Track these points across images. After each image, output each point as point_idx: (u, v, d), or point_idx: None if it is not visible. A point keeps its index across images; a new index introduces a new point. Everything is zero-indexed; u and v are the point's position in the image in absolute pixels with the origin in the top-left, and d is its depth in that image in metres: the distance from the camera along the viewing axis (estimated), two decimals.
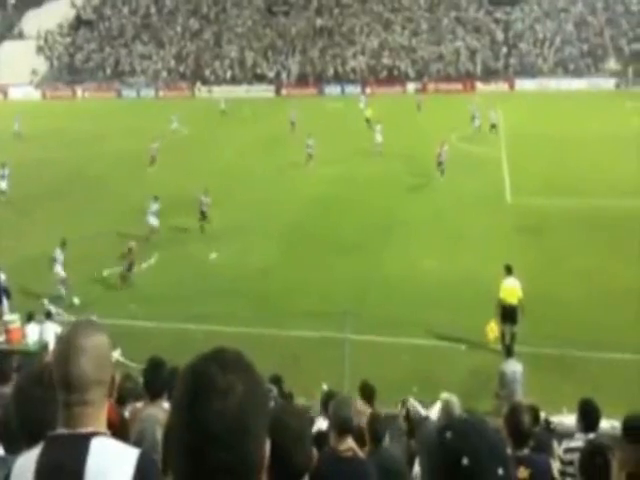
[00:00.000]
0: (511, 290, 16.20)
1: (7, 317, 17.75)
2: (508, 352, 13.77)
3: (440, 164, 33.08)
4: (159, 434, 5.48)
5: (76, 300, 20.37)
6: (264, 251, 24.06)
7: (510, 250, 22.53)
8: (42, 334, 15.57)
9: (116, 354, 15.68)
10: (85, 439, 2.42)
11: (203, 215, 26.08)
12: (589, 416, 7.39)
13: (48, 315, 16.29)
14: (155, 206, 25.34)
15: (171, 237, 25.96)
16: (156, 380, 6.46)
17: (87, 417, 2.46)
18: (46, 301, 18.94)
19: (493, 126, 42.73)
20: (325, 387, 11.92)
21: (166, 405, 6.21)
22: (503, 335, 16.09)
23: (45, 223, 27.98)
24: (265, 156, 39.18)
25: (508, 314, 16.06)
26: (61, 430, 2.46)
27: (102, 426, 2.52)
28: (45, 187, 33.66)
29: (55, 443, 2.44)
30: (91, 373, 2.43)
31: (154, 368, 6.61)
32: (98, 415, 2.50)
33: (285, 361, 15.17)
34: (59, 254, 20.53)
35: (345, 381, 13.93)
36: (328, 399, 7.60)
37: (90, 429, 2.45)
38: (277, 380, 10.33)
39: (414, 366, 15.89)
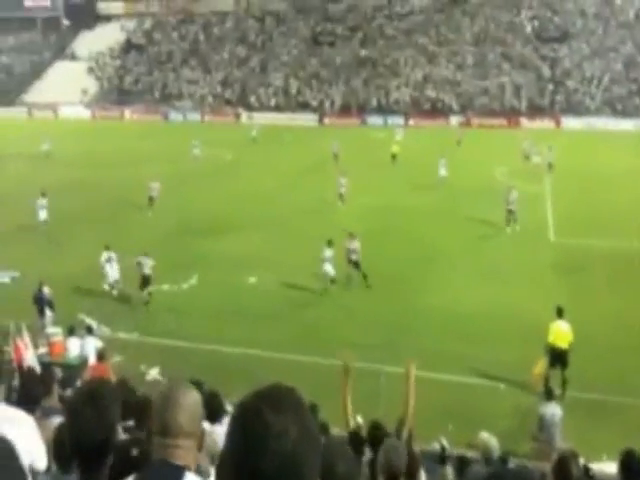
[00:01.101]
0: (562, 333, 15.61)
1: (50, 330, 17.94)
2: (549, 395, 13.34)
3: (511, 212, 30.34)
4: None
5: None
6: (305, 278, 23.94)
7: (551, 289, 22.29)
8: (83, 348, 15.65)
9: (154, 372, 15.69)
10: (179, 469, 2.70)
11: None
12: (631, 467, 7.05)
13: (89, 330, 16.42)
14: (329, 252, 22.85)
15: (211, 259, 26.06)
16: None
17: (178, 457, 2.73)
18: (85, 316, 19.07)
19: (550, 165, 41.58)
20: (360, 420, 11.67)
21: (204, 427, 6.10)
22: (547, 378, 15.55)
23: (89, 242, 28.36)
24: (308, 185, 39.27)
25: (558, 358, 15.50)
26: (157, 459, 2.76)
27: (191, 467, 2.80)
28: (89, 207, 34.12)
29: (151, 469, 2.78)
30: (185, 424, 2.74)
31: None
32: (187, 459, 2.75)
33: (320, 390, 14.96)
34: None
35: (380, 413, 13.65)
36: (376, 433, 7.49)
37: (182, 463, 2.72)
38: (313, 409, 10.16)
39: (450, 402, 15.54)
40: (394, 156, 44.89)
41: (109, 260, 22.88)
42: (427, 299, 22.09)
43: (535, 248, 27.43)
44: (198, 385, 6.76)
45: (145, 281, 21.92)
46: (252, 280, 23.69)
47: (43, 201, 30.11)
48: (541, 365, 15.49)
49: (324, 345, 18.39)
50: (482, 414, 14.85)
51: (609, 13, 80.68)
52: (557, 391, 15.37)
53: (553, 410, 12.78)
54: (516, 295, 22.01)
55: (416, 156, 45.51)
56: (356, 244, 23.41)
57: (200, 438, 2.84)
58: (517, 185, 32.42)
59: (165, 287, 22.96)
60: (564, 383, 15.45)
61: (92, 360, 14.81)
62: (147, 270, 21.98)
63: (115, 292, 22.78)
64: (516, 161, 43.99)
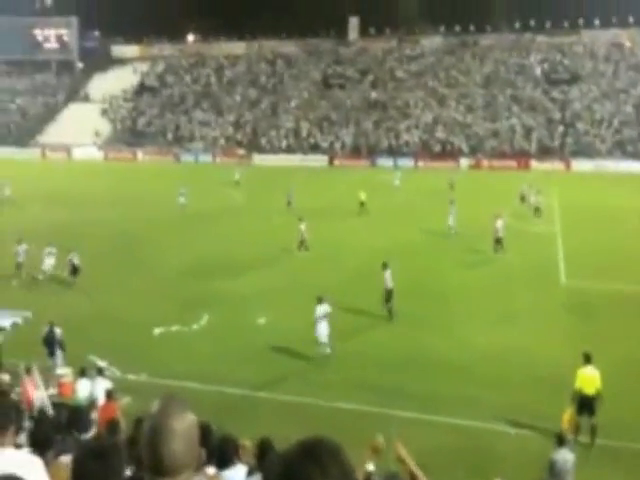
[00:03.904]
0: (590, 380, 15.28)
1: (60, 371, 17.91)
2: (560, 441, 13.09)
3: (498, 240, 32.45)
4: None
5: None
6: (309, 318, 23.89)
7: (563, 332, 22.12)
8: (92, 389, 15.60)
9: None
10: None
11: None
12: None
13: (99, 371, 16.36)
14: (321, 310, 20.34)
15: (220, 299, 26.05)
16: (205, 446, 6.32)
17: None
18: (96, 358, 19.03)
19: (537, 210, 41.67)
20: (371, 467, 11.50)
21: (211, 471, 6.06)
22: (577, 426, 15.26)
23: (99, 282, 28.65)
24: (320, 224, 39.38)
25: (585, 405, 15.18)
26: None
27: None
28: (99, 246, 34.33)
29: None
30: (182, 457, 2.37)
31: (203, 434, 6.44)
32: None
33: (326, 433, 14.78)
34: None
35: (389, 459, 13.46)
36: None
37: None
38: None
39: (460, 448, 15.29)
40: (362, 204, 43.34)
41: (49, 254, 28.67)
42: (438, 340, 21.93)
43: (546, 290, 27.26)
44: (207, 429, 6.71)
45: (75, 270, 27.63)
46: (261, 321, 23.63)
47: (52, 249, 29.47)
48: (569, 413, 15.20)
49: (333, 387, 18.27)
50: (493, 459, 14.60)
51: (619, 56, 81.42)
52: (585, 439, 15.12)
53: (565, 456, 12.52)
54: (528, 338, 21.81)
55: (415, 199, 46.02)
56: (389, 273, 23.69)
57: (198, 462, 2.52)
58: (527, 227, 32.36)
59: (174, 328, 22.95)
60: (593, 430, 15.14)
61: (101, 401, 14.75)
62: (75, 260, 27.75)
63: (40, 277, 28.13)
64: (513, 203, 44.19)
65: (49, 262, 28.96)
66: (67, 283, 28.41)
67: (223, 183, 56.12)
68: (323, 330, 19.87)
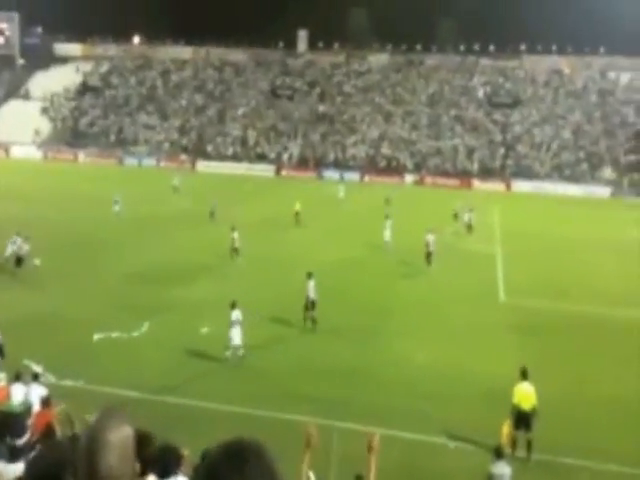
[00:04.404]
0: (526, 395, 15.62)
1: None
2: (498, 454, 13.24)
3: (429, 254, 33.40)
4: None
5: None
6: (256, 330, 23.65)
7: (502, 349, 22.54)
8: (27, 395, 15.02)
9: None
10: None
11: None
12: None
13: (35, 377, 15.78)
14: (235, 315, 20.99)
15: (161, 307, 25.58)
16: (143, 456, 6.06)
17: None
18: (31, 362, 18.38)
19: (469, 227, 42.51)
20: (312, 477, 11.35)
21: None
22: (514, 440, 15.47)
23: (40, 281, 28.03)
24: (265, 236, 39.27)
25: (523, 420, 15.46)
26: None
27: None
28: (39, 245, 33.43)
29: None
30: (117, 468, 2.42)
31: (142, 443, 6.21)
32: None
33: (268, 444, 14.57)
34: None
35: (331, 471, 13.35)
36: None
37: None
38: None
39: (401, 460, 15.30)
40: (297, 214, 43.74)
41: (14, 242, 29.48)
42: (383, 354, 21.98)
43: (486, 308, 27.68)
44: (146, 437, 6.45)
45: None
46: (204, 330, 23.26)
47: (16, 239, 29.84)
48: (507, 426, 15.41)
49: (277, 398, 18.12)
50: (432, 472, 14.75)
51: (558, 82, 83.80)
52: (522, 453, 15.33)
53: (502, 469, 12.74)
54: (467, 353, 22.11)
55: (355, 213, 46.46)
56: (312, 283, 23.94)
57: (133, 475, 2.53)
58: (466, 245, 32.77)
59: (115, 334, 22.40)
60: (529, 445, 15.39)
61: (36, 407, 14.21)
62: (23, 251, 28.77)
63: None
64: (446, 221, 44.91)
65: (10, 249, 29.71)
66: (8, 279, 27.72)
67: (163, 188, 55.34)
68: (235, 334, 20.49)
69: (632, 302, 28.53)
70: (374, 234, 38.43)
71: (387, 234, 36.94)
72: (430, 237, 33.53)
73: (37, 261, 29.42)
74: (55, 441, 9.62)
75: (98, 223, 40.56)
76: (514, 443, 15.42)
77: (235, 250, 33.40)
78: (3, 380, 16.65)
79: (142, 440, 6.24)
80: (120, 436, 2.45)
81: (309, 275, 24.16)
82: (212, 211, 43.27)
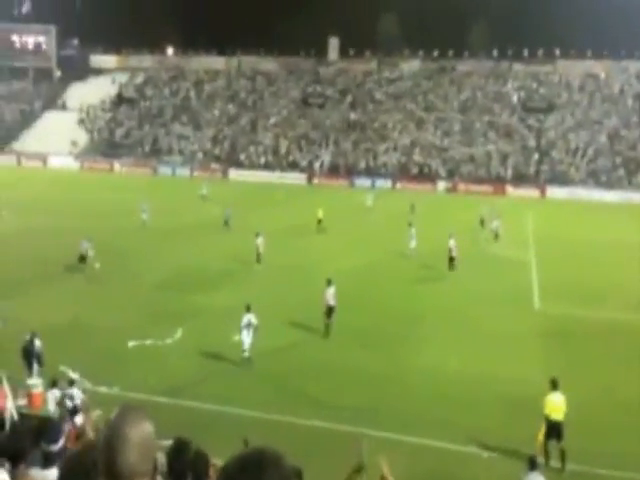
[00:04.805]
0: (557, 405, 15.48)
1: (30, 381, 17.53)
2: (532, 464, 13.08)
3: (452, 259, 33.74)
4: None
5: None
6: (283, 336, 23.78)
7: (536, 356, 22.35)
8: (64, 401, 15.27)
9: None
10: None
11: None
12: None
13: (71, 383, 16.03)
14: (246, 319, 21.62)
15: (191, 313, 25.79)
16: (181, 462, 6.16)
17: None
18: (67, 369, 18.65)
19: (497, 235, 41.92)
20: None
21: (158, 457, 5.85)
22: (547, 451, 15.32)
23: (69, 292, 28.34)
24: (288, 243, 39.37)
25: (554, 430, 15.32)
26: None
27: None
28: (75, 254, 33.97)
29: None
30: (137, 464, 2.39)
31: (180, 449, 6.31)
32: None
33: (300, 452, 14.59)
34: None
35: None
36: None
37: None
38: (298, 474, 9.82)
39: (432, 469, 15.23)
40: (320, 221, 43.90)
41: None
42: (411, 361, 21.90)
43: (520, 315, 27.42)
44: (185, 443, 6.54)
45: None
46: (236, 338, 23.37)
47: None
48: (541, 434, 15.31)
49: (307, 404, 18.16)
50: None
51: (593, 87, 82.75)
52: (555, 463, 15.14)
53: None
54: (500, 361, 21.88)
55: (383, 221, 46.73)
56: (332, 290, 24.06)
57: (153, 471, 2.50)
58: (502, 251, 32.50)
59: (148, 341, 22.64)
60: (562, 455, 15.20)
61: (72, 413, 14.40)
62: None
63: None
64: (469, 227, 44.62)
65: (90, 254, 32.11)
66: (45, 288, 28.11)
67: (193, 197, 55.76)
68: (245, 337, 21.04)
69: None
70: (399, 242, 38.20)
71: (412, 242, 36.73)
72: (452, 242, 33.91)
73: (97, 264, 31.35)
74: (87, 443, 9.72)
75: (126, 232, 40.94)
76: (547, 453, 15.26)
77: (258, 256, 33.99)
78: (40, 386, 16.92)
79: (181, 446, 6.32)
80: (140, 432, 2.43)
81: (329, 282, 24.30)
82: (226, 220, 43.22)
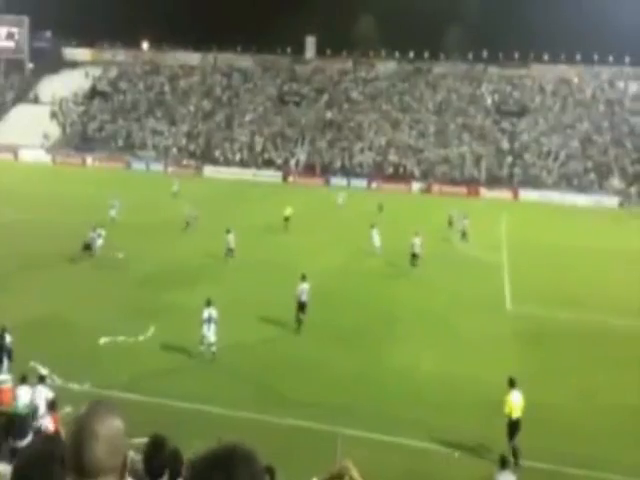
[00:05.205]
0: (517, 404, 15.77)
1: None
2: (503, 463, 13.22)
3: (414, 256, 34.20)
4: None
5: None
6: (255, 331, 23.77)
7: (508, 357, 22.52)
8: (33, 398, 15.01)
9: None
10: None
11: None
12: None
13: (41, 379, 15.79)
14: (207, 313, 21.76)
15: (169, 312, 25.60)
16: (159, 459, 6.09)
17: None
18: (38, 365, 18.42)
19: (464, 234, 42.34)
20: None
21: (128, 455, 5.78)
22: (515, 450, 15.49)
23: (47, 286, 28.14)
24: (258, 240, 39.28)
25: (515, 428, 15.57)
26: None
27: None
28: (47, 247, 33.58)
29: None
30: (104, 460, 2.35)
31: (157, 446, 6.25)
32: None
33: (274, 450, 14.54)
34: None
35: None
36: None
37: None
38: (270, 472, 9.84)
39: (405, 468, 15.29)
40: (287, 219, 43.65)
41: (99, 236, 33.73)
42: (385, 360, 21.98)
43: (492, 316, 27.61)
44: (162, 440, 6.48)
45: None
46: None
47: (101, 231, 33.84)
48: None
49: (280, 403, 18.12)
50: None
51: (566, 91, 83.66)
52: (525, 462, 15.31)
53: (507, 478, 12.72)
54: (473, 362, 22.05)
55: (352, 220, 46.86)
56: (306, 286, 24.30)
57: (122, 468, 2.44)
58: (474, 252, 32.73)
59: (121, 338, 22.43)
60: (515, 451, 15.43)
61: (42, 410, 14.19)
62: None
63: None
64: (439, 227, 44.96)
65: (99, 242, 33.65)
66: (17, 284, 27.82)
67: (165, 194, 55.05)
68: (206, 332, 21.13)
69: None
70: (366, 241, 38.08)
71: (376, 240, 37.13)
72: (417, 240, 34.51)
73: (120, 254, 33.10)
74: (46, 435, 9.58)
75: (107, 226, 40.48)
76: (515, 452, 15.42)
77: (230, 251, 34.20)
78: (9, 382, 16.66)
79: (159, 443, 6.24)
80: (108, 427, 2.38)
81: (303, 277, 24.43)
82: (188, 221, 41.86)
